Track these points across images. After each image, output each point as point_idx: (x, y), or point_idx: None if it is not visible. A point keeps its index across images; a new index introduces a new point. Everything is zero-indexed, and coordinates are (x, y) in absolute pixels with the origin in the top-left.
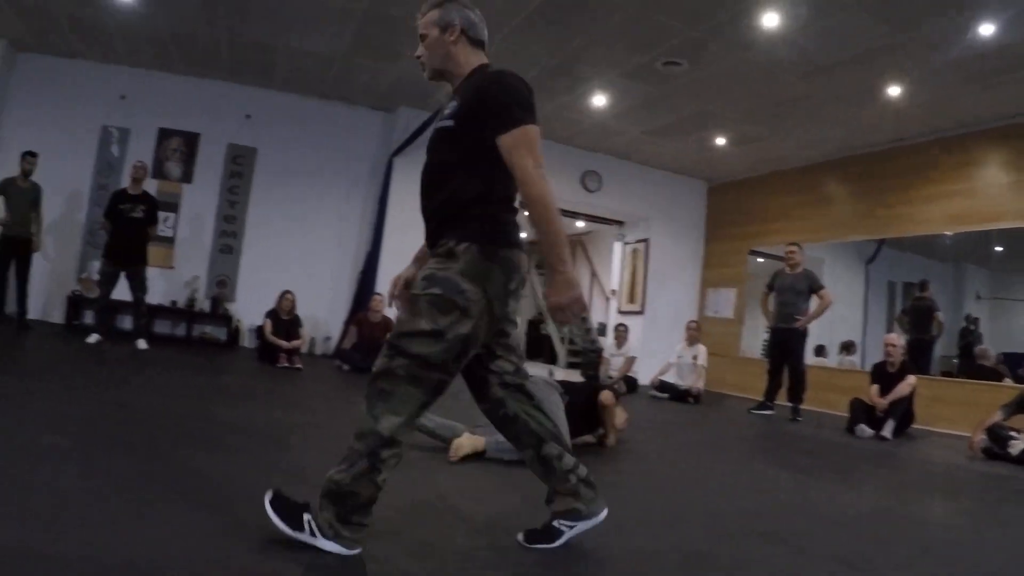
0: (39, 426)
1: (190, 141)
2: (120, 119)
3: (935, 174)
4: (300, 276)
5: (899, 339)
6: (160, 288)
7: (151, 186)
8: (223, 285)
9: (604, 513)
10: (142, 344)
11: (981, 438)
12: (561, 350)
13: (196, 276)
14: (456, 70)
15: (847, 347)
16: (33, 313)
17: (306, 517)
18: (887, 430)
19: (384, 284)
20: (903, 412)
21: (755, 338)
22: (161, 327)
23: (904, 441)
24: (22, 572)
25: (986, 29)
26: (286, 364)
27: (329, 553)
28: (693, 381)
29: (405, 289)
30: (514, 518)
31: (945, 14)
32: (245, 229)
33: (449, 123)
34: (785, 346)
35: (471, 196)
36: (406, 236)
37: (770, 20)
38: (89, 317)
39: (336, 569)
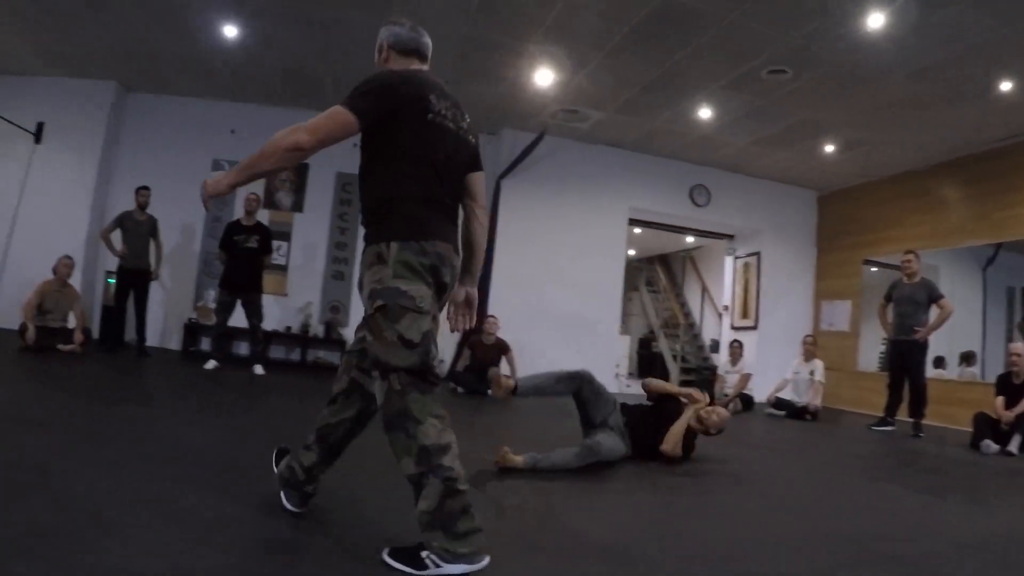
0: (170, 453)
1: (299, 171)
2: (230, 152)
3: None
4: None
5: None
6: (275, 315)
7: (263, 216)
8: (336, 310)
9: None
10: (259, 370)
11: None
12: (674, 368)
13: (309, 302)
14: None
15: (967, 358)
16: (151, 340)
17: (423, 554)
18: (1014, 445)
19: (496, 306)
20: None
21: (872, 351)
22: (276, 352)
23: None
24: None
25: None
26: None
27: None
28: (810, 398)
29: (466, 306)
30: (635, 542)
31: None
32: (356, 255)
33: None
34: (905, 359)
35: (381, 196)
36: (516, 257)
37: (875, 21)
38: (206, 344)
39: None
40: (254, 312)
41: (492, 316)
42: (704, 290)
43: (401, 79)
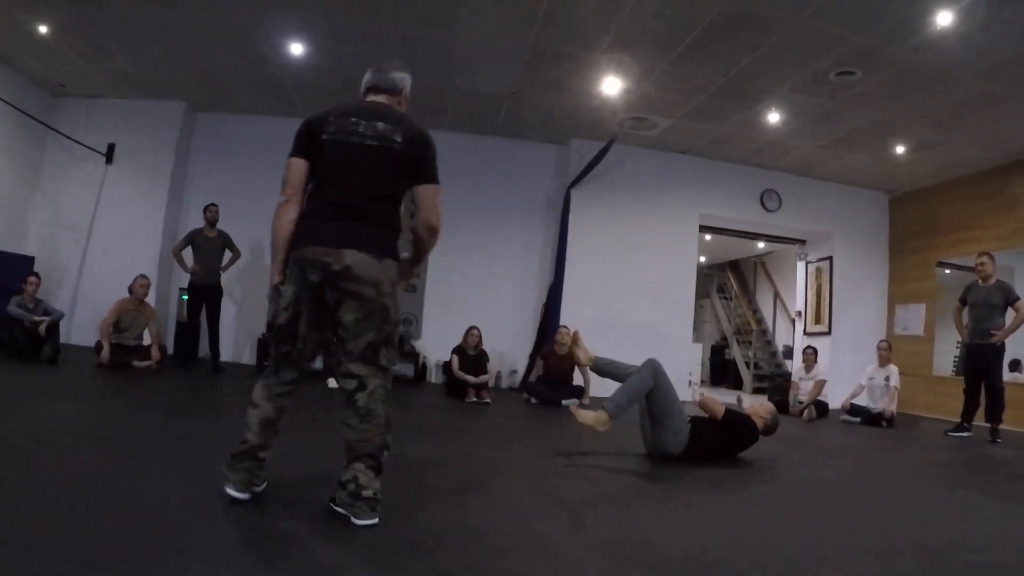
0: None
1: None
2: None
3: None
4: (483, 311)
5: None
6: None
7: None
8: (408, 323)
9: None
10: (332, 383)
11: None
12: (747, 375)
13: None
14: None
15: None
16: (225, 356)
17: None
18: None
19: (568, 316)
20: None
21: (947, 355)
22: None
23: None
24: None
25: None
26: (475, 399)
27: None
28: (886, 404)
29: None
30: (714, 552)
31: None
32: (428, 267)
33: None
34: (981, 363)
35: None
36: (587, 267)
37: (943, 19)
38: None
39: None
40: None
41: (564, 326)
42: (776, 296)
43: (315, 115)
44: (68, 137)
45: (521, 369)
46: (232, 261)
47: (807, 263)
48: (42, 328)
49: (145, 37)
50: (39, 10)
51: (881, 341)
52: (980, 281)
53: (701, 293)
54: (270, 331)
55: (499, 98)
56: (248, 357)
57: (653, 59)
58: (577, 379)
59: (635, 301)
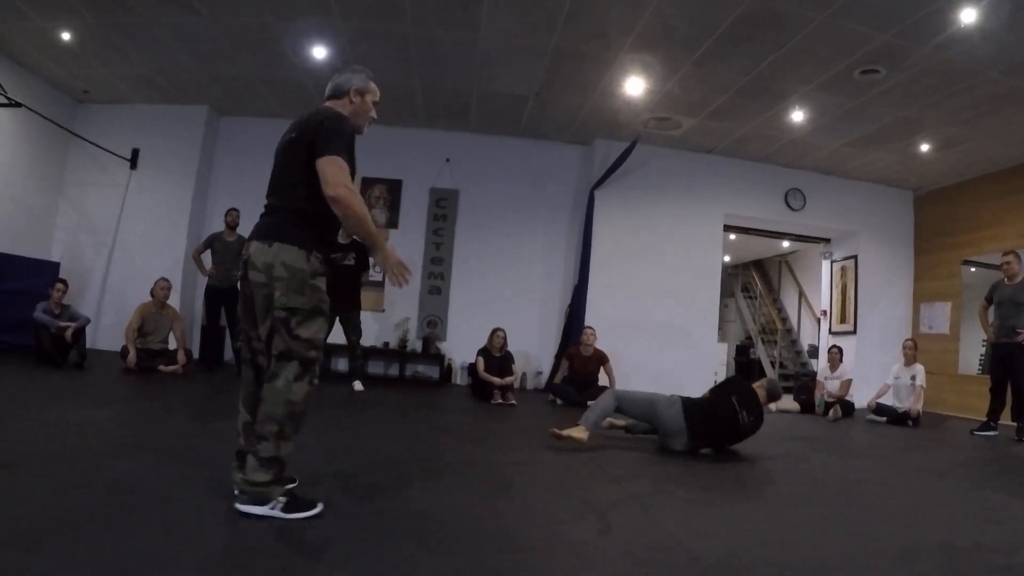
0: None
1: (393, 188)
2: None
3: None
4: (508, 312)
5: None
6: (372, 330)
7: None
8: (434, 325)
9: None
10: (358, 386)
11: None
12: (772, 374)
13: (407, 318)
14: None
15: None
16: None
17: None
18: None
19: (593, 317)
20: None
21: (973, 354)
22: (374, 368)
23: None
24: None
25: None
26: (500, 400)
27: None
28: (912, 403)
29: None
30: (743, 555)
31: None
32: (452, 269)
33: None
34: (1007, 362)
35: None
36: (612, 268)
37: (967, 16)
38: None
39: None
40: (353, 329)
41: (589, 327)
42: (801, 295)
43: None
44: (92, 143)
45: (546, 370)
46: None
47: (832, 262)
48: (68, 334)
49: (168, 43)
50: (62, 18)
51: (907, 340)
52: (1006, 279)
53: (726, 292)
54: None
55: (522, 99)
56: None
57: (676, 59)
58: (602, 380)
59: (660, 301)
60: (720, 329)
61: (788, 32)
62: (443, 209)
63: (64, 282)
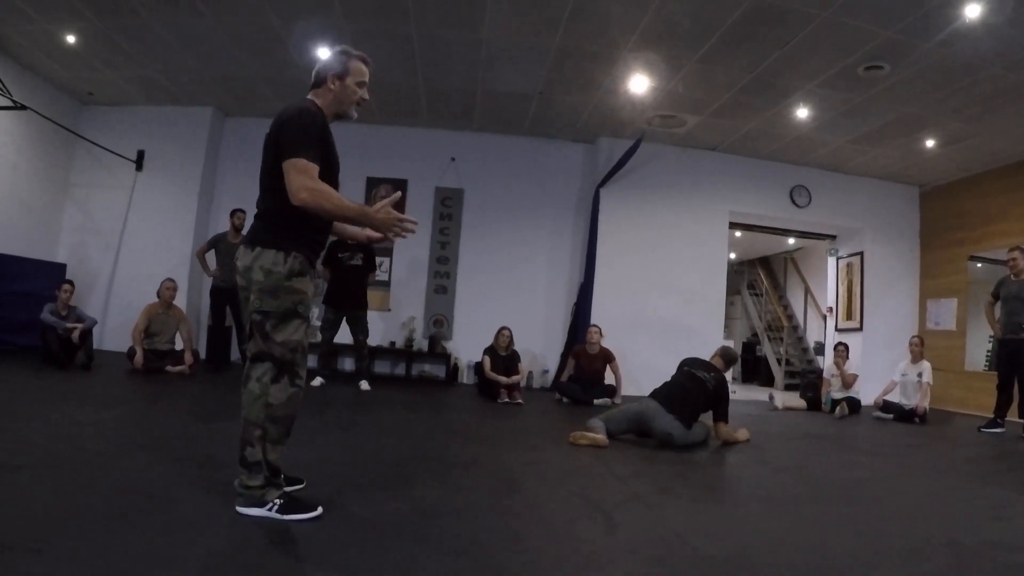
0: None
1: (398, 187)
2: None
3: None
4: (514, 311)
5: None
6: (379, 330)
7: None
8: (440, 324)
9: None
10: (365, 385)
11: None
12: (778, 371)
13: (413, 317)
14: None
15: None
16: None
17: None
18: None
19: (599, 315)
20: None
21: (980, 350)
22: (381, 367)
23: None
24: None
25: None
26: (507, 399)
27: None
28: (919, 400)
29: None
30: (749, 553)
31: None
32: (458, 268)
33: None
34: (1014, 358)
35: None
36: (618, 266)
37: (972, 11)
38: (312, 361)
39: None
40: (360, 328)
41: (595, 325)
42: (807, 292)
43: None
44: (97, 145)
45: (553, 369)
46: None
47: (838, 258)
48: (75, 335)
49: (172, 44)
50: (67, 20)
51: (913, 337)
52: (1012, 275)
53: (731, 290)
54: None
55: (526, 98)
56: None
57: (680, 57)
58: (609, 378)
59: (666, 299)
60: (726, 327)
61: (792, 29)
62: (448, 208)
63: (71, 283)
